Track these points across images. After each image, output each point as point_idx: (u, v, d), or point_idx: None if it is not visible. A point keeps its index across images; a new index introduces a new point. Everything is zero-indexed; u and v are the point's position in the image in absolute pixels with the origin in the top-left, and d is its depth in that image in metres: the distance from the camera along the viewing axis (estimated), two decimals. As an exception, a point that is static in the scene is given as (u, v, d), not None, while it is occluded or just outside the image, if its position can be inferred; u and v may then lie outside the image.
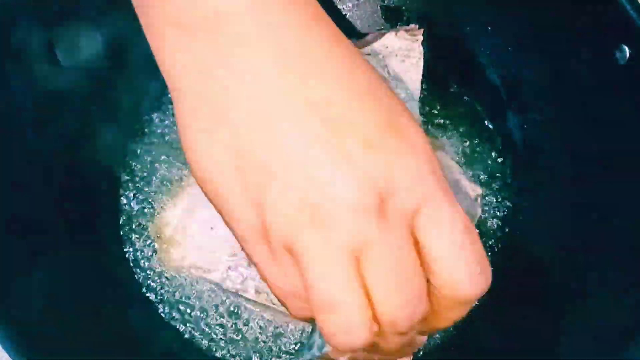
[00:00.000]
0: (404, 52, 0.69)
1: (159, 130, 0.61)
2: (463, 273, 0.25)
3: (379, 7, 0.72)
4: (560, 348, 0.49)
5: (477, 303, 0.55)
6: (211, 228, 0.54)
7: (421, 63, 0.68)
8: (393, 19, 0.72)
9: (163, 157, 0.60)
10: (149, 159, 0.61)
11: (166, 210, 0.57)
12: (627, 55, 0.49)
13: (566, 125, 0.59)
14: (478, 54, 0.68)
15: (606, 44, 0.51)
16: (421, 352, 0.55)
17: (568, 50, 0.57)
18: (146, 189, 0.60)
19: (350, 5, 0.73)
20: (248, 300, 0.54)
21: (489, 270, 0.26)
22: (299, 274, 0.24)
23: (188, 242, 0.54)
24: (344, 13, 0.72)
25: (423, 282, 0.24)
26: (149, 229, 0.57)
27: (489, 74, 0.67)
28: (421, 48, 0.68)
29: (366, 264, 0.23)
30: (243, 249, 0.29)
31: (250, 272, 0.53)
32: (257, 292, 0.53)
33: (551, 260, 0.56)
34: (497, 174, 0.64)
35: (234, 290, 0.53)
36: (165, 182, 0.60)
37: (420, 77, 0.67)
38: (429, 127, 0.66)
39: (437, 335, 0.55)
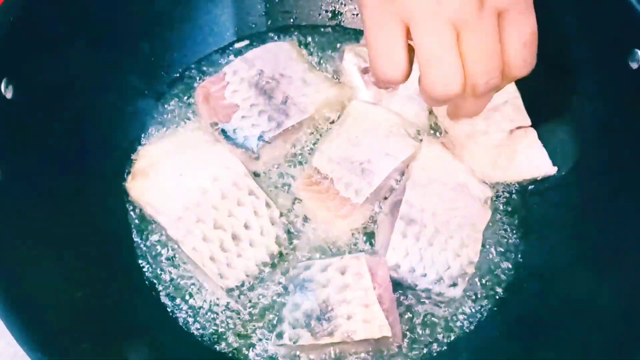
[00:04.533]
0: (412, 52, 0.68)
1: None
2: (523, 62, 0.37)
3: (388, 8, 0.72)
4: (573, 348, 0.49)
5: (489, 305, 0.56)
6: (180, 174, 0.57)
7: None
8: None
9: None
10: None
11: (150, 145, 0.61)
12: (641, 60, 0.49)
13: (577, 129, 0.58)
14: (487, 56, 0.68)
15: (619, 49, 0.51)
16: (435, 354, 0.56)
17: (580, 54, 0.57)
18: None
19: (360, 4, 0.73)
20: (183, 253, 0.56)
21: (535, 61, 0.38)
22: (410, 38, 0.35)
23: (154, 178, 0.57)
24: (353, 12, 0.72)
25: (500, 61, 0.35)
26: (132, 157, 0.60)
27: (498, 77, 0.67)
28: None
29: (464, 38, 0.34)
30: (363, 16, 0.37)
31: (194, 230, 0.55)
32: (194, 249, 0.54)
33: (563, 263, 0.55)
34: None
35: (175, 239, 0.55)
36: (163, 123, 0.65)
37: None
38: (438, 129, 0.65)
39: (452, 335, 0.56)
